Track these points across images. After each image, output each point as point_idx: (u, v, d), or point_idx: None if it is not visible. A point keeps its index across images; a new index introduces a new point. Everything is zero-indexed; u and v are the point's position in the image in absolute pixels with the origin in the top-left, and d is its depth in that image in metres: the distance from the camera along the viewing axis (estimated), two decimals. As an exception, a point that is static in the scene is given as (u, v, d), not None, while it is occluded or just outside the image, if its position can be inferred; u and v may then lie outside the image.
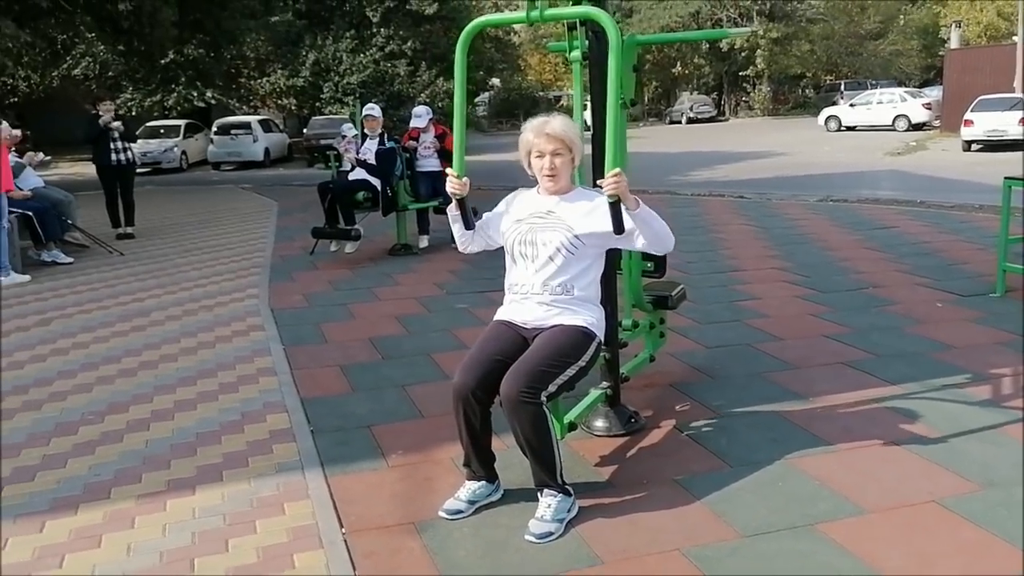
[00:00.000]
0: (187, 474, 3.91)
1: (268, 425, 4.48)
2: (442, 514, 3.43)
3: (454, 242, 10.18)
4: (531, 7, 3.52)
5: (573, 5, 3.96)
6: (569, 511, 3.37)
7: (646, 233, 3.35)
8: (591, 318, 3.48)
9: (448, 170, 3.56)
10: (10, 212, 8.77)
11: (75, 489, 3.79)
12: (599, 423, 4.24)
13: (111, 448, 4.25)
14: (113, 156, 11.32)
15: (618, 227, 3.21)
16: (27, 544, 3.32)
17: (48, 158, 11.09)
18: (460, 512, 3.43)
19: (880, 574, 2.94)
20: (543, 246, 3.43)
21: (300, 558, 3.15)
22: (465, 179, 3.51)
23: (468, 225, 3.62)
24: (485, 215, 3.74)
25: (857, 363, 5.17)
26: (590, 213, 3.40)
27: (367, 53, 31.29)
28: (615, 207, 3.18)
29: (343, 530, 3.35)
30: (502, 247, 3.64)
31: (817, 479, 3.66)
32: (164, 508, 3.59)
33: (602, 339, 3.58)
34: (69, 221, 10.21)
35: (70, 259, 9.73)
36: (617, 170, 3.14)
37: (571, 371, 3.36)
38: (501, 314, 3.60)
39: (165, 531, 3.39)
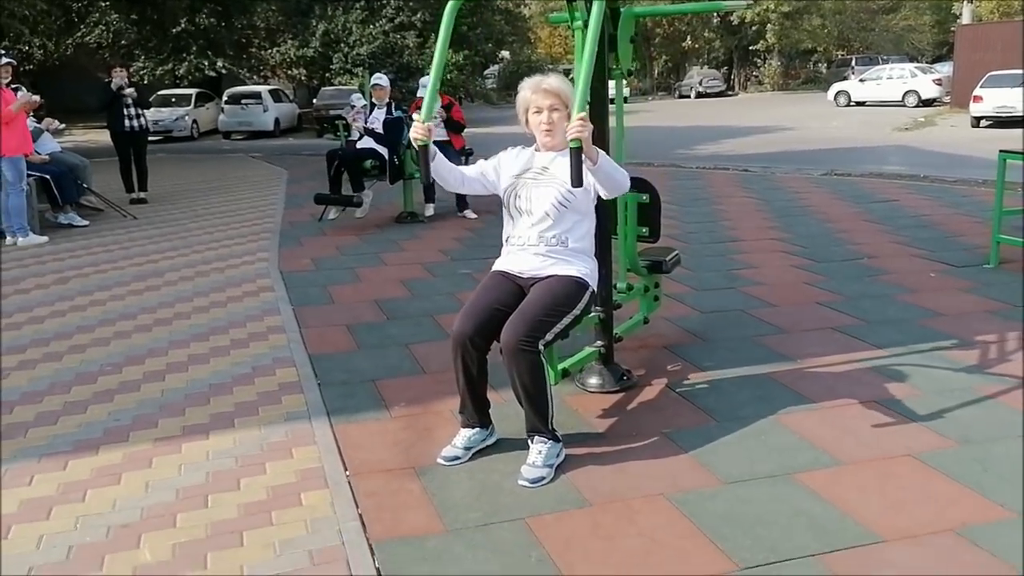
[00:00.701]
0: (201, 421, 4.13)
1: (277, 378, 4.69)
2: (440, 461, 3.62)
3: (459, 211, 10.34)
4: None
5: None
6: (558, 456, 3.56)
7: (604, 182, 3.46)
8: (585, 268, 3.65)
9: (414, 115, 3.62)
10: (28, 175, 8.96)
11: (95, 432, 4.01)
12: (593, 380, 4.42)
13: (129, 396, 4.47)
14: (126, 122, 11.55)
15: (577, 178, 3.13)
16: (52, 480, 3.53)
17: (62, 126, 11.29)
18: (457, 458, 3.63)
19: (849, 516, 3.13)
20: (538, 201, 3.61)
21: (307, 496, 3.36)
22: (428, 124, 3.51)
23: (426, 176, 3.62)
24: (482, 161, 3.88)
25: (847, 328, 5.34)
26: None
27: (377, 24, 31.26)
28: (576, 154, 3.12)
29: (347, 472, 3.55)
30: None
31: (798, 433, 3.84)
32: (180, 450, 3.80)
33: (595, 289, 3.74)
34: (85, 185, 10.42)
35: (86, 222, 9.96)
36: (583, 114, 3.14)
37: (567, 320, 3.54)
38: (499, 265, 3.78)
39: (181, 470, 3.61)
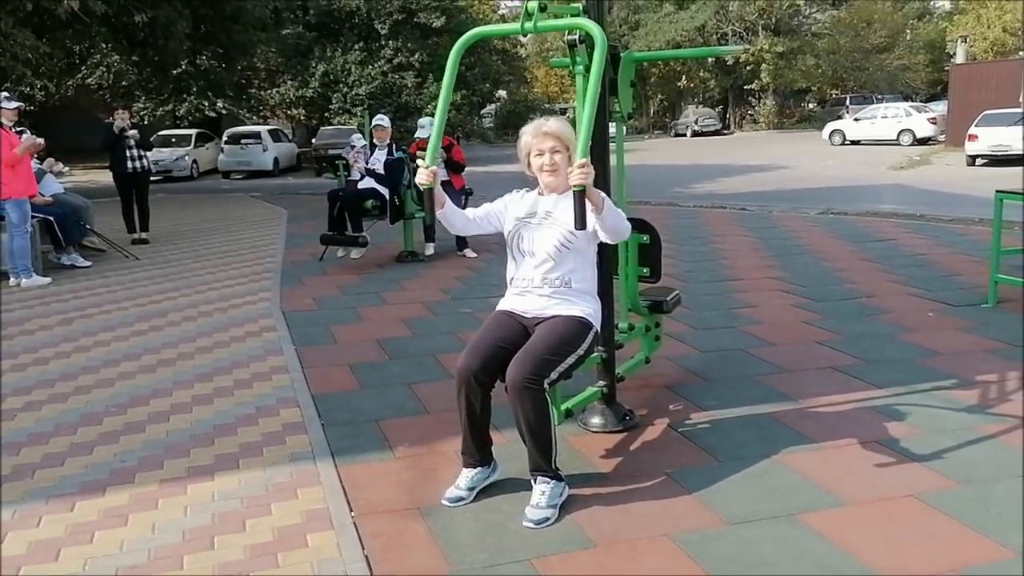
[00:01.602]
0: (206, 461, 4.15)
1: (281, 418, 4.72)
2: (444, 502, 3.64)
3: (459, 250, 10.41)
4: (525, 19, 3.74)
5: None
6: (561, 496, 3.59)
7: (607, 229, 3.53)
8: (588, 308, 3.70)
9: (419, 161, 3.69)
10: (32, 216, 9.01)
11: (102, 474, 4.03)
12: (595, 420, 4.45)
13: (134, 437, 4.49)
14: (129, 164, 11.64)
15: (581, 221, 3.21)
16: (60, 522, 3.55)
17: (66, 169, 11.37)
18: (461, 499, 3.65)
19: (853, 556, 3.15)
20: (540, 243, 3.66)
21: (313, 537, 3.37)
22: (434, 168, 3.59)
23: (431, 217, 3.68)
24: (485, 205, 3.94)
25: (846, 368, 5.38)
26: None
27: (375, 65, 31.67)
28: (580, 197, 3.18)
29: (352, 513, 3.57)
30: (506, 252, 3.85)
31: (801, 473, 3.86)
32: (185, 492, 3.82)
33: (599, 329, 3.79)
34: (87, 226, 10.47)
35: (88, 263, 10.00)
36: (585, 160, 3.21)
37: (571, 359, 3.58)
38: (503, 304, 3.82)
39: (187, 512, 3.62)
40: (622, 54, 4.41)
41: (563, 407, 4.08)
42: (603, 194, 3.46)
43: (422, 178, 3.57)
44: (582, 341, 3.63)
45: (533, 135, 3.69)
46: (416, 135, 10.37)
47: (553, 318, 3.64)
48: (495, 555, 3.22)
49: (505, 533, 3.39)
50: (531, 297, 3.71)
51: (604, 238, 3.64)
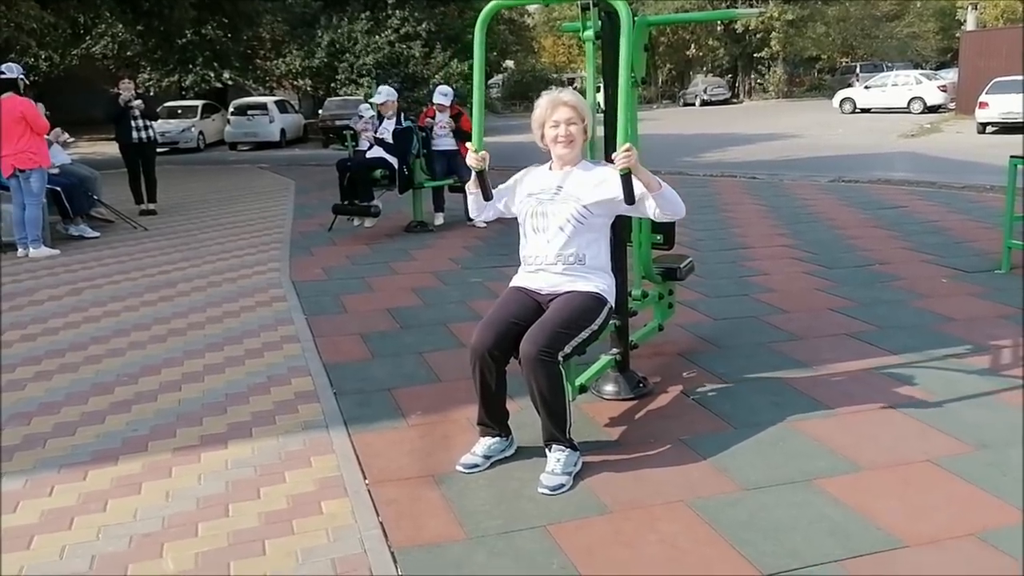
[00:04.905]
0: (219, 430, 4.14)
1: (293, 387, 4.70)
2: (459, 468, 3.63)
3: (468, 219, 10.39)
4: None
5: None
6: (576, 464, 3.57)
7: (660, 203, 3.51)
8: (602, 284, 3.67)
9: (468, 144, 3.72)
10: (42, 187, 9.01)
11: (114, 443, 4.02)
12: (609, 387, 4.43)
13: (146, 406, 4.48)
14: (135, 134, 11.62)
15: (629, 198, 3.40)
16: (72, 491, 3.54)
17: (72, 139, 11.33)
18: (476, 466, 3.63)
19: (870, 521, 3.13)
20: (553, 218, 3.62)
21: (327, 505, 3.37)
22: (483, 153, 3.67)
23: (487, 196, 3.79)
24: (500, 186, 3.91)
25: (860, 334, 5.34)
26: (598, 184, 3.59)
27: (382, 34, 31.37)
28: (627, 179, 3.36)
29: (366, 481, 3.56)
30: (516, 220, 3.82)
31: (816, 439, 3.84)
32: (199, 460, 3.81)
33: (613, 305, 3.76)
34: (95, 197, 10.45)
35: (96, 233, 10.00)
36: (628, 144, 3.32)
37: (585, 334, 3.55)
38: (517, 281, 3.79)
39: (200, 480, 3.62)
40: (635, 18, 4.33)
41: (577, 382, 4.05)
42: (653, 175, 3.49)
43: (472, 162, 3.67)
44: (596, 316, 3.60)
45: (548, 106, 3.66)
46: (435, 100, 10.27)
47: (567, 293, 3.62)
48: (510, 521, 3.21)
49: (520, 500, 3.38)
50: (545, 275, 3.68)
51: (659, 216, 3.60)
